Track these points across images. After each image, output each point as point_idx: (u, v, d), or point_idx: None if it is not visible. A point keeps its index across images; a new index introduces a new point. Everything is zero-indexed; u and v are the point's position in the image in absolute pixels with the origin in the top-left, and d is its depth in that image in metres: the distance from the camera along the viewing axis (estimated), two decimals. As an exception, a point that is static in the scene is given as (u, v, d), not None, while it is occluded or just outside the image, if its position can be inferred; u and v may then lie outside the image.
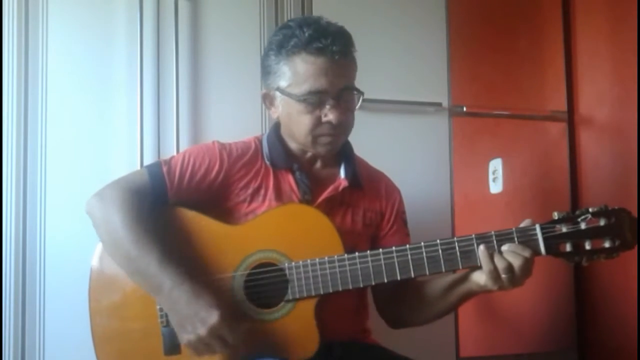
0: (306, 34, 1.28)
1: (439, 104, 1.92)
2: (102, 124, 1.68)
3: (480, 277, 1.22)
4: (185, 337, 1.19)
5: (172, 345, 1.25)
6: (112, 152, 1.67)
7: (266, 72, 1.35)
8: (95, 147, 1.67)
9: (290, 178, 1.37)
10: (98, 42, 1.69)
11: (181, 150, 1.62)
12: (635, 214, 1.19)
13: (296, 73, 1.29)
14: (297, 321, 1.24)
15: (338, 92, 1.29)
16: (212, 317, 1.16)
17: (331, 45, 1.26)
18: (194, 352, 1.20)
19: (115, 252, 1.26)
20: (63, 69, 1.66)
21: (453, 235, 1.88)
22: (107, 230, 1.26)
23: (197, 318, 1.17)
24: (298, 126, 1.33)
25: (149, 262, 1.20)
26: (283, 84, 1.31)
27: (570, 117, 2.10)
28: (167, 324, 1.25)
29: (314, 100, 1.29)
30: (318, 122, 1.31)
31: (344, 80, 1.30)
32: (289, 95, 1.31)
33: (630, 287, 1.82)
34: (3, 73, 1.61)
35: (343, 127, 1.33)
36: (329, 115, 1.29)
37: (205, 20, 1.77)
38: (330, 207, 1.36)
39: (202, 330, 1.16)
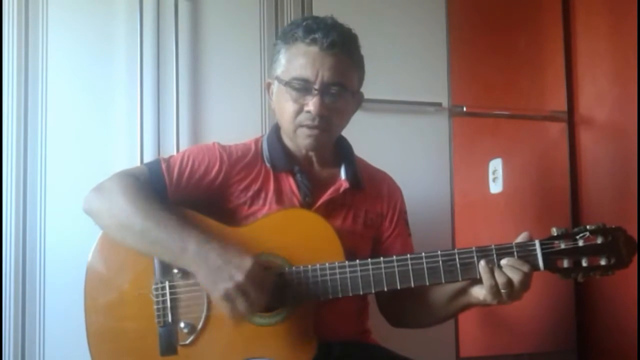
0: (304, 24, 1.30)
1: (439, 104, 1.91)
2: (102, 124, 1.68)
3: (479, 292, 1.23)
4: (221, 286, 1.14)
5: (169, 346, 1.24)
6: (112, 152, 1.67)
7: (272, 61, 1.39)
8: (95, 147, 1.67)
9: (291, 180, 1.36)
10: (98, 42, 1.69)
11: (181, 150, 1.62)
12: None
13: (289, 60, 1.32)
14: (295, 326, 1.23)
15: (324, 85, 1.29)
16: (246, 262, 1.16)
17: (325, 37, 1.28)
18: (229, 303, 1.15)
19: (126, 231, 1.23)
20: (63, 69, 1.66)
21: (453, 235, 1.89)
22: (113, 214, 1.23)
23: (232, 265, 1.15)
24: (283, 113, 1.35)
25: (169, 227, 1.19)
26: (278, 71, 1.34)
27: (570, 117, 2.10)
28: (164, 324, 1.24)
29: (298, 86, 1.30)
30: (300, 110, 1.31)
31: (334, 74, 1.29)
32: (279, 81, 1.33)
33: (630, 289, 1.82)
34: (3, 73, 1.61)
35: (325, 122, 1.32)
36: (310, 105, 1.30)
37: (205, 20, 1.77)
38: (332, 209, 1.36)
39: (239, 276, 1.14)
